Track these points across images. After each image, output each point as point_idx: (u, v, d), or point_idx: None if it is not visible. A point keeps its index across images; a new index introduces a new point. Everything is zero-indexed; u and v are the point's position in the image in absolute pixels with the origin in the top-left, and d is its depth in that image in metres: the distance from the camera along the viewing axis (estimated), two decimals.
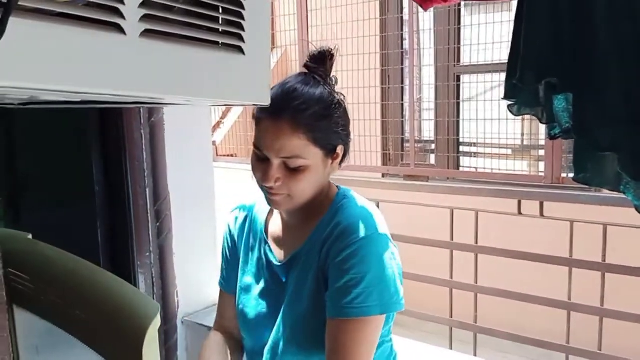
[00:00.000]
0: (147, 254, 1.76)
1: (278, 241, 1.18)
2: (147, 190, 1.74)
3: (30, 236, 0.94)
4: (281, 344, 1.11)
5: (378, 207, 3.14)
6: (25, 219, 1.84)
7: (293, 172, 1.04)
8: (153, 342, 0.64)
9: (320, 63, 1.11)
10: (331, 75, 1.12)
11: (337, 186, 1.17)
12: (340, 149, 1.10)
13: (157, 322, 0.64)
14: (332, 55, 1.12)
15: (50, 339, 0.81)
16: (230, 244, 1.27)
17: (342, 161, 1.14)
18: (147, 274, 1.76)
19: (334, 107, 1.07)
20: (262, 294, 1.17)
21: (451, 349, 2.85)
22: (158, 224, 1.78)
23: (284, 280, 1.13)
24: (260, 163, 1.07)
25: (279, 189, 1.05)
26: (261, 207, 1.24)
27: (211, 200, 1.95)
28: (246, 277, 1.21)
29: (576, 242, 2.61)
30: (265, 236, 1.19)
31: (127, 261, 1.72)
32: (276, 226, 1.19)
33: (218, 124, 5.00)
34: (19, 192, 1.88)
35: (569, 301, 2.66)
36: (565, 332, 2.67)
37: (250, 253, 1.21)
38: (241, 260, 1.23)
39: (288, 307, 1.11)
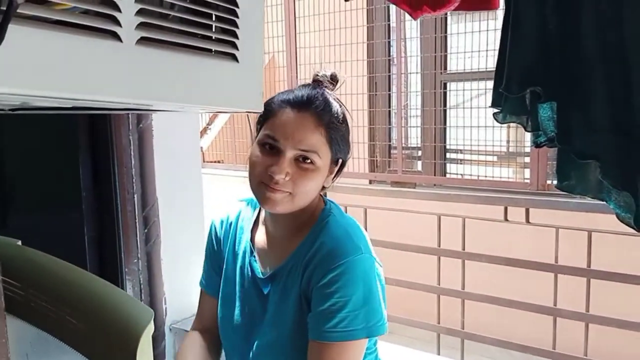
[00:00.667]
0: (135, 260, 1.75)
1: (262, 253, 1.17)
2: (135, 196, 1.73)
3: (19, 242, 0.93)
4: (259, 353, 1.11)
5: (365, 213, 3.15)
6: (12, 224, 1.82)
7: (303, 170, 1.04)
8: (147, 348, 0.64)
9: (335, 83, 1.15)
10: None
11: (324, 200, 1.17)
12: (339, 163, 1.12)
13: (150, 328, 0.64)
14: (338, 81, 1.16)
15: (41, 346, 0.80)
16: (215, 246, 1.25)
17: (335, 177, 1.15)
18: (135, 280, 1.75)
19: (346, 120, 1.11)
20: (244, 305, 1.16)
21: (439, 354, 2.86)
22: (146, 230, 1.77)
23: (265, 292, 1.13)
24: (269, 156, 1.04)
25: (283, 185, 1.03)
26: (247, 216, 1.23)
27: (199, 207, 1.95)
28: (229, 286, 1.20)
29: (561, 248, 2.64)
30: (251, 246, 1.18)
31: (114, 268, 1.71)
32: (261, 238, 1.18)
33: (205, 130, 4.99)
34: (5, 198, 1.86)
35: (555, 307, 2.68)
36: (551, 338, 2.69)
37: (235, 261, 1.20)
38: (225, 267, 1.21)
39: (270, 324, 1.11)
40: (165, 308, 1.83)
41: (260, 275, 1.14)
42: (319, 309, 1.01)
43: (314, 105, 1.05)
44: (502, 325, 3.12)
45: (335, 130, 1.07)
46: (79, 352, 0.72)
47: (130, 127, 1.68)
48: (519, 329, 3.05)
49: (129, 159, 1.70)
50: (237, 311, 1.17)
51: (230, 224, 1.24)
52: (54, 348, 0.77)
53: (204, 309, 1.28)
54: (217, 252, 1.25)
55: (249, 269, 1.16)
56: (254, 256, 1.17)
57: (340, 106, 1.11)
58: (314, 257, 1.04)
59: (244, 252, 1.18)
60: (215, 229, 1.26)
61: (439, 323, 3.01)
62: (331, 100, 1.09)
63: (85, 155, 1.69)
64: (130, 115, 1.68)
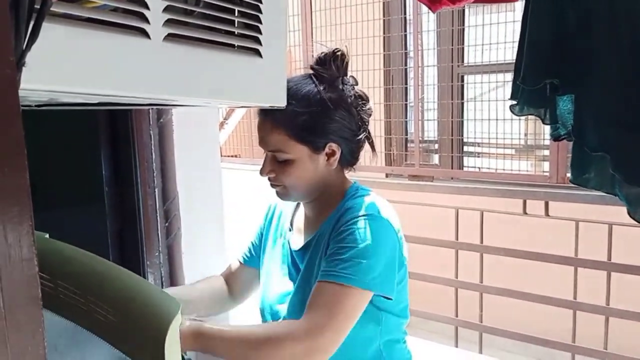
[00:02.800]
0: (157, 253, 1.77)
1: (299, 230, 1.27)
2: (156, 190, 1.75)
3: (47, 235, 0.95)
4: (286, 317, 1.19)
5: None
6: (36, 219, 1.85)
7: (282, 165, 1.14)
8: (175, 339, 0.65)
9: (323, 64, 1.15)
10: (346, 77, 1.15)
11: (354, 182, 1.23)
12: (335, 147, 1.14)
13: (178, 318, 0.65)
14: (337, 57, 1.15)
15: (69, 337, 0.82)
16: (262, 229, 1.37)
17: (349, 161, 1.17)
18: (157, 273, 1.77)
19: (321, 106, 1.11)
20: (283, 277, 1.25)
21: (457, 347, 2.86)
22: (167, 224, 1.79)
23: (300, 265, 1.21)
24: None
25: (274, 180, 1.17)
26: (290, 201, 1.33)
27: (219, 200, 1.97)
28: (273, 261, 1.29)
29: (581, 242, 2.62)
30: (290, 225, 1.29)
31: (136, 261, 1.73)
32: (300, 217, 1.29)
33: (222, 125, 5.01)
34: (30, 193, 1.89)
35: (575, 300, 2.66)
36: (571, 331, 2.68)
37: (278, 240, 1.30)
38: (269, 246, 1.32)
39: (298, 289, 1.18)
40: None
41: (296, 249, 1.23)
42: (328, 253, 1.08)
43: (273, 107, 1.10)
44: (520, 318, 3.10)
45: (296, 125, 1.11)
46: (108, 343, 0.73)
47: (151, 123, 1.70)
48: (538, 323, 3.04)
49: (150, 154, 1.72)
50: (277, 284, 1.25)
51: (276, 208, 1.36)
52: (83, 339, 0.79)
53: (233, 271, 1.42)
54: (263, 235, 1.37)
55: (288, 245, 1.26)
56: (292, 233, 1.27)
57: (318, 93, 1.12)
58: (339, 220, 1.12)
59: (286, 231, 1.29)
60: (267, 213, 1.39)
61: (456, 316, 3.01)
62: (297, 90, 1.11)
63: (107, 151, 1.71)
64: (150, 111, 1.70)
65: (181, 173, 1.80)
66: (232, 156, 4.93)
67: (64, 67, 0.51)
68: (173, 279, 1.82)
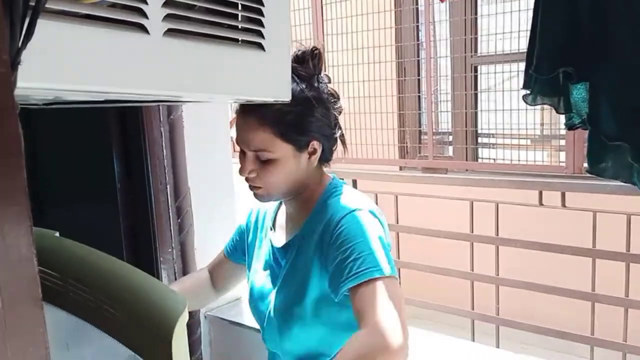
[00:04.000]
0: (169, 249, 1.77)
1: (282, 228, 1.27)
2: (168, 187, 1.75)
3: (57, 234, 0.96)
4: (271, 315, 1.20)
5: (396, 200, 3.13)
6: (48, 217, 1.87)
7: (264, 164, 1.11)
8: (182, 336, 0.65)
9: (301, 62, 1.15)
10: (321, 74, 1.17)
11: (333, 177, 1.23)
12: (317, 145, 1.14)
13: (185, 316, 0.65)
14: (315, 55, 1.16)
15: (79, 334, 0.82)
16: (247, 226, 1.39)
17: (327, 158, 1.18)
18: (170, 269, 1.78)
19: (305, 104, 1.11)
20: (266, 274, 1.26)
21: (473, 341, 2.84)
22: (179, 220, 1.79)
23: (282, 262, 1.22)
24: (241, 157, 1.15)
25: (253, 181, 1.14)
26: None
27: (231, 195, 1.97)
28: (258, 260, 1.31)
29: (599, 233, 2.58)
30: (273, 224, 1.29)
31: (149, 257, 1.74)
32: (282, 215, 1.29)
33: (234, 120, 5.01)
34: (41, 191, 1.91)
35: (593, 292, 2.63)
36: (590, 324, 2.64)
37: (264, 239, 1.31)
38: (256, 246, 1.33)
39: (281, 287, 1.19)
40: None
41: (278, 247, 1.23)
42: (334, 263, 1.05)
43: (256, 105, 1.08)
44: (538, 311, 3.07)
45: (283, 123, 1.09)
46: (117, 340, 0.74)
47: (161, 119, 1.70)
48: (556, 315, 3.00)
49: (161, 151, 1.72)
50: (260, 280, 1.27)
51: (260, 210, 1.37)
52: (93, 336, 0.79)
53: (217, 263, 1.48)
54: (246, 233, 1.38)
55: (270, 243, 1.27)
56: (274, 231, 1.27)
57: (302, 92, 1.11)
58: (326, 228, 1.10)
59: (268, 230, 1.30)
60: (250, 214, 1.39)
61: (473, 309, 2.99)
62: None
63: (119, 148, 1.72)
64: (160, 107, 1.70)
65: (192, 169, 1.80)
66: None
67: (61, 64, 0.50)
68: (186, 274, 1.82)
